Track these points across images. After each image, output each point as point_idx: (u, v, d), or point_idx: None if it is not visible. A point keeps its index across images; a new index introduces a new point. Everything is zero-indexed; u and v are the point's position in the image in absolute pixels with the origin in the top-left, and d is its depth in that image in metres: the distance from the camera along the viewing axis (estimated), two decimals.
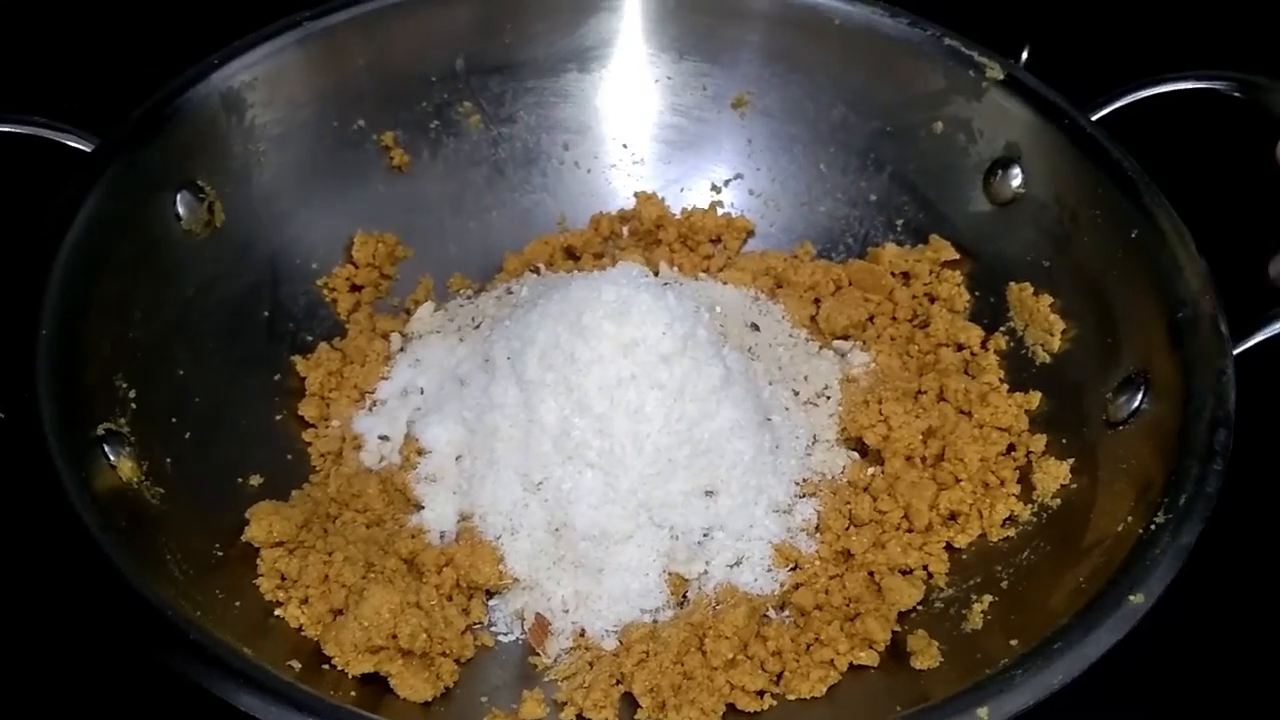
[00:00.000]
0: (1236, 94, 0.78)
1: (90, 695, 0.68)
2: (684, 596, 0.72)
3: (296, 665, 0.63)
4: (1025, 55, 0.98)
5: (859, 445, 0.79)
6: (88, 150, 0.74)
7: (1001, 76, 0.84)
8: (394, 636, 0.65)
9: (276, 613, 0.67)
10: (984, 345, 0.83)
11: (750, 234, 0.93)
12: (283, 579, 0.68)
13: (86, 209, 0.71)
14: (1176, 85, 0.79)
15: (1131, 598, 0.58)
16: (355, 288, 0.87)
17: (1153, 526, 0.62)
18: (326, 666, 0.65)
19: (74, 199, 0.71)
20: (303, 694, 0.58)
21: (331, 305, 0.86)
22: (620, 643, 0.69)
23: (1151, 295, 0.73)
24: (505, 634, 0.71)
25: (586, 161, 0.94)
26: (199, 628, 0.59)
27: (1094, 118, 0.81)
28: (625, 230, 0.93)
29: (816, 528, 0.75)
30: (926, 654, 0.66)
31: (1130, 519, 0.64)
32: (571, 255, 0.92)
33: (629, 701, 0.66)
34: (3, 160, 0.77)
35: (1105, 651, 0.57)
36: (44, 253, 0.68)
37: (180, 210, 0.77)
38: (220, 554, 0.69)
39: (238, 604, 0.67)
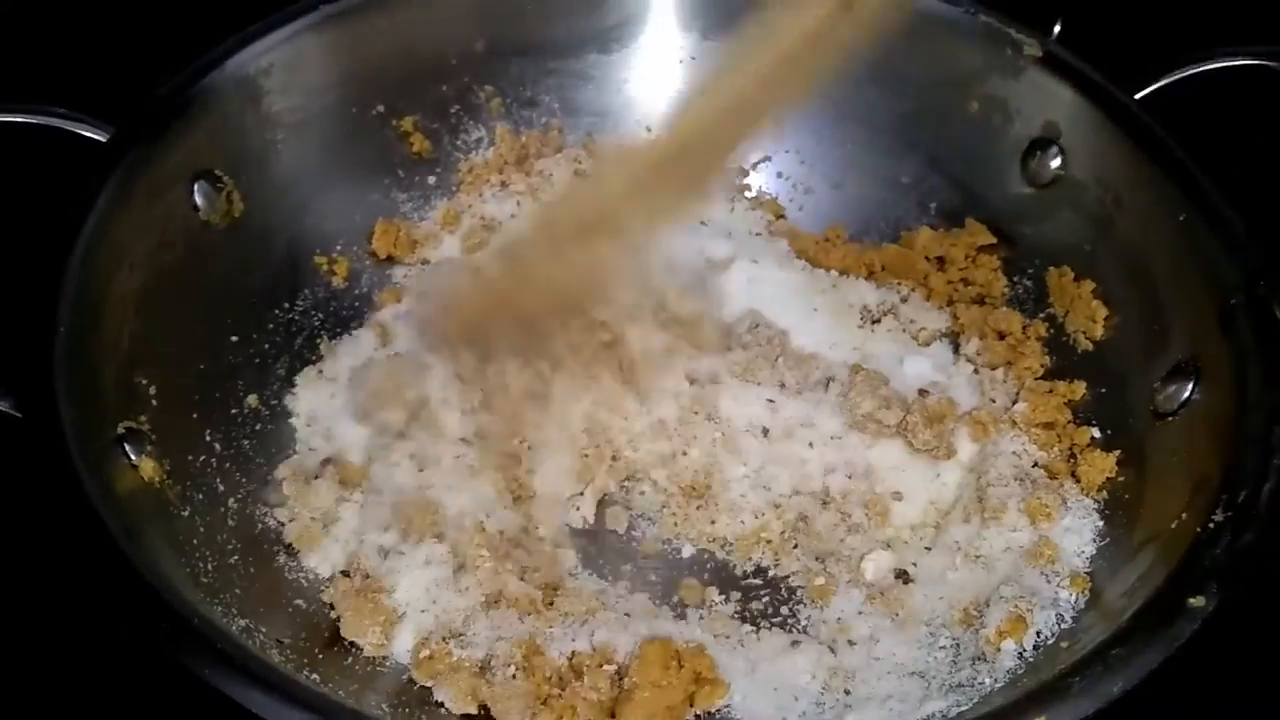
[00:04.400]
0: None
1: (113, 702, 0.67)
2: None
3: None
4: (1057, 31, 0.95)
5: None
6: (102, 140, 0.72)
7: (1040, 54, 0.81)
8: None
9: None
10: (1024, 332, 0.81)
11: (780, 218, 0.90)
12: None
13: (102, 202, 0.69)
14: (1225, 62, 0.76)
15: (1192, 601, 0.56)
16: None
17: (1211, 525, 0.60)
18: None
19: (89, 191, 0.69)
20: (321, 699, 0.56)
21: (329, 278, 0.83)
22: None
23: (1200, 281, 0.71)
24: None
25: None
26: (225, 635, 0.57)
27: (1136, 96, 0.78)
28: None
29: None
30: None
31: (1185, 516, 0.62)
32: None
33: None
34: (16, 151, 0.75)
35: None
36: (59, 248, 0.66)
37: (198, 201, 0.75)
38: (245, 554, 0.68)
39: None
